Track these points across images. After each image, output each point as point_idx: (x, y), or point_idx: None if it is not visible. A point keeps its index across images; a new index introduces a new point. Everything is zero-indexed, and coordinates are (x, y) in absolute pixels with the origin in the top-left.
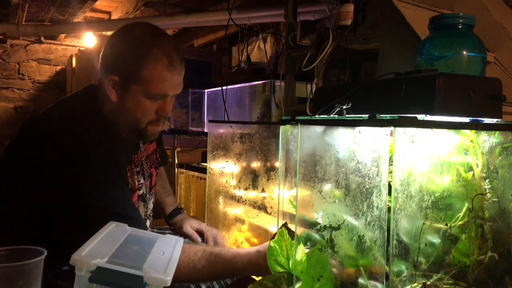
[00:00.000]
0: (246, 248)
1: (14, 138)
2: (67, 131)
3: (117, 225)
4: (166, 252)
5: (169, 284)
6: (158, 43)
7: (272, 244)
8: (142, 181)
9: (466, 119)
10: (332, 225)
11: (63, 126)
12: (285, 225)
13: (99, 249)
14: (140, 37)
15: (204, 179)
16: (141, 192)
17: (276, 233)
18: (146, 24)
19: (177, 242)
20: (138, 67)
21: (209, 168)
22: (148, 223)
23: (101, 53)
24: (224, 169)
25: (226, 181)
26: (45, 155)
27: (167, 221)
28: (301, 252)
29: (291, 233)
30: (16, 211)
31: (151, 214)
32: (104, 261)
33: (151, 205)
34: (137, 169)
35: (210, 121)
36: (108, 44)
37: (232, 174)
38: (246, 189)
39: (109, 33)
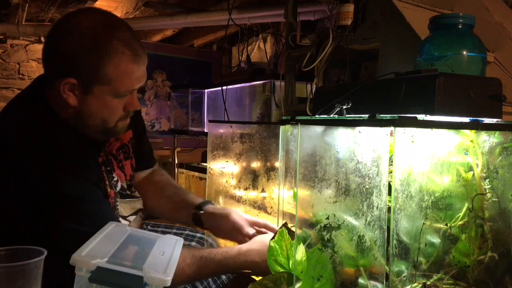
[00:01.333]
0: (236, 246)
1: None
2: (32, 151)
3: (116, 225)
4: (166, 252)
5: (169, 284)
6: (115, 32)
7: (272, 244)
8: (116, 177)
9: (466, 119)
10: (332, 225)
11: (25, 146)
12: (285, 225)
13: (99, 249)
14: (92, 29)
15: (204, 179)
16: (118, 188)
17: (276, 233)
18: (95, 13)
19: (177, 242)
20: (99, 66)
21: (209, 168)
22: (135, 220)
23: (45, 50)
24: (224, 169)
25: (226, 181)
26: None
27: (196, 213)
28: (301, 252)
29: (291, 233)
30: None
31: (140, 211)
32: (104, 261)
33: (136, 202)
34: (108, 168)
35: (210, 121)
36: (53, 40)
37: (232, 174)
38: (246, 189)
39: None
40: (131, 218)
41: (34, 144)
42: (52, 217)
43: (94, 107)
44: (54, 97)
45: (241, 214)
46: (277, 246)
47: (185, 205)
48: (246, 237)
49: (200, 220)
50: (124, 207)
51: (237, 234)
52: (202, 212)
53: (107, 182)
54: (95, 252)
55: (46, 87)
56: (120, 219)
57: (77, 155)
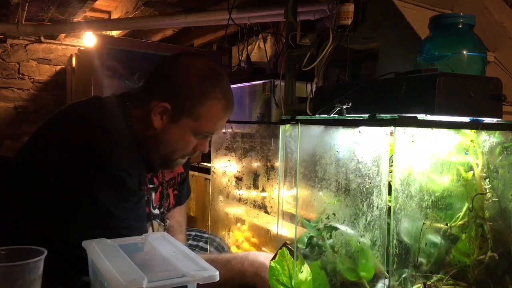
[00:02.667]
0: (228, 255)
1: (33, 143)
2: (101, 155)
3: (97, 243)
4: (175, 250)
5: (218, 278)
6: (220, 82)
7: (273, 264)
8: (161, 201)
9: (466, 119)
10: (332, 225)
11: (96, 149)
12: (285, 245)
13: (125, 271)
14: (203, 72)
15: (204, 178)
16: (160, 210)
17: (276, 253)
18: (206, 58)
19: (166, 237)
20: (196, 103)
21: (213, 167)
22: None
23: (153, 72)
24: (227, 168)
25: (228, 180)
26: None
27: None
28: (305, 271)
29: (292, 254)
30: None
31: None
32: (146, 282)
33: (167, 223)
34: (157, 190)
35: None
36: (166, 68)
37: (234, 174)
38: (248, 188)
39: (110, 32)
40: None
41: (101, 144)
42: (81, 223)
43: (173, 136)
44: (138, 114)
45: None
46: (278, 266)
47: None
48: None
49: None
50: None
51: None
52: None
53: (150, 204)
54: (127, 275)
55: (130, 101)
56: None
57: (132, 172)
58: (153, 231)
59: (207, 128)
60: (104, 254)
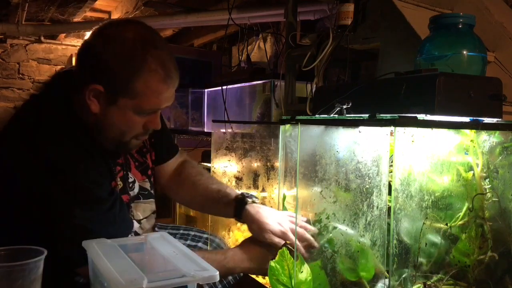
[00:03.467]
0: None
1: None
2: (51, 149)
3: (97, 243)
4: (175, 250)
5: (218, 278)
6: (153, 50)
7: (273, 264)
8: (132, 178)
9: (466, 119)
10: (332, 225)
11: (46, 143)
12: (285, 245)
13: (125, 271)
14: (132, 42)
15: None
16: (136, 190)
17: (276, 253)
18: (137, 25)
19: (166, 237)
20: (129, 79)
21: (213, 167)
22: (148, 221)
23: (80, 51)
24: (227, 168)
25: (228, 180)
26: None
27: (238, 207)
28: (306, 271)
29: (292, 254)
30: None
31: (154, 213)
32: (146, 282)
33: (153, 204)
34: (125, 171)
35: (214, 121)
36: (91, 43)
37: (234, 174)
38: (248, 188)
39: None
40: (144, 220)
41: (52, 143)
42: (58, 216)
43: (115, 119)
44: (78, 100)
45: (280, 215)
46: (278, 266)
47: (221, 198)
48: (270, 233)
49: (240, 214)
50: (140, 209)
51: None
52: (245, 207)
53: (120, 186)
54: (127, 276)
55: (72, 87)
56: (134, 221)
57: (93, 160)
58: (140, 216)
59: (149, 105)
60: (104, 254)
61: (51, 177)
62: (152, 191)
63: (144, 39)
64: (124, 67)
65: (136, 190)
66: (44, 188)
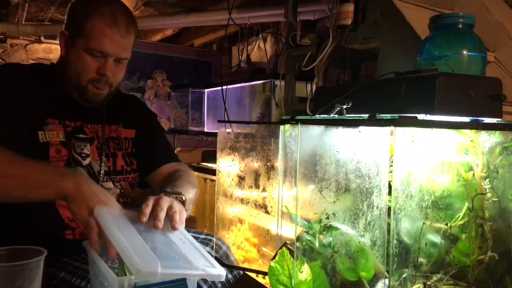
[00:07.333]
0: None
1: None
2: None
3: (107, 210)
4: (183, 239)
5: (223, 278)
6: (107, 3)
7: (272, 264)
8: (87, 151)
9: (466, 119)
10: (332, 226)
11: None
12: (285, 245)
13: (140, 252)
14: None
15: (204, 179)
16: (86, 162)
17: (276, 253)
18: None
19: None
20: (82, 22)
21: (218, 167)
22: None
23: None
24: (230, 168)
25: (232, 180)
26: None
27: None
28: (306, 271)
29: (292, 254)
30: None
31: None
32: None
33: (114, 190)
34: (81, 135)
35: (219, 121)
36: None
37: (236, 173)
38: (249, 187)
39: None
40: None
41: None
42: None
43: (73, 59)
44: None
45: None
46: (278, 266)
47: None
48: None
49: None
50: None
51: None
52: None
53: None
54: (141, 257)
55: None
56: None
57: (35, 95)
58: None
59: (95, 44)
60: (118, 227)
61: None
62: (116, 185)
63: None
64: (81, 12)
65: (86, 161)
66: None
